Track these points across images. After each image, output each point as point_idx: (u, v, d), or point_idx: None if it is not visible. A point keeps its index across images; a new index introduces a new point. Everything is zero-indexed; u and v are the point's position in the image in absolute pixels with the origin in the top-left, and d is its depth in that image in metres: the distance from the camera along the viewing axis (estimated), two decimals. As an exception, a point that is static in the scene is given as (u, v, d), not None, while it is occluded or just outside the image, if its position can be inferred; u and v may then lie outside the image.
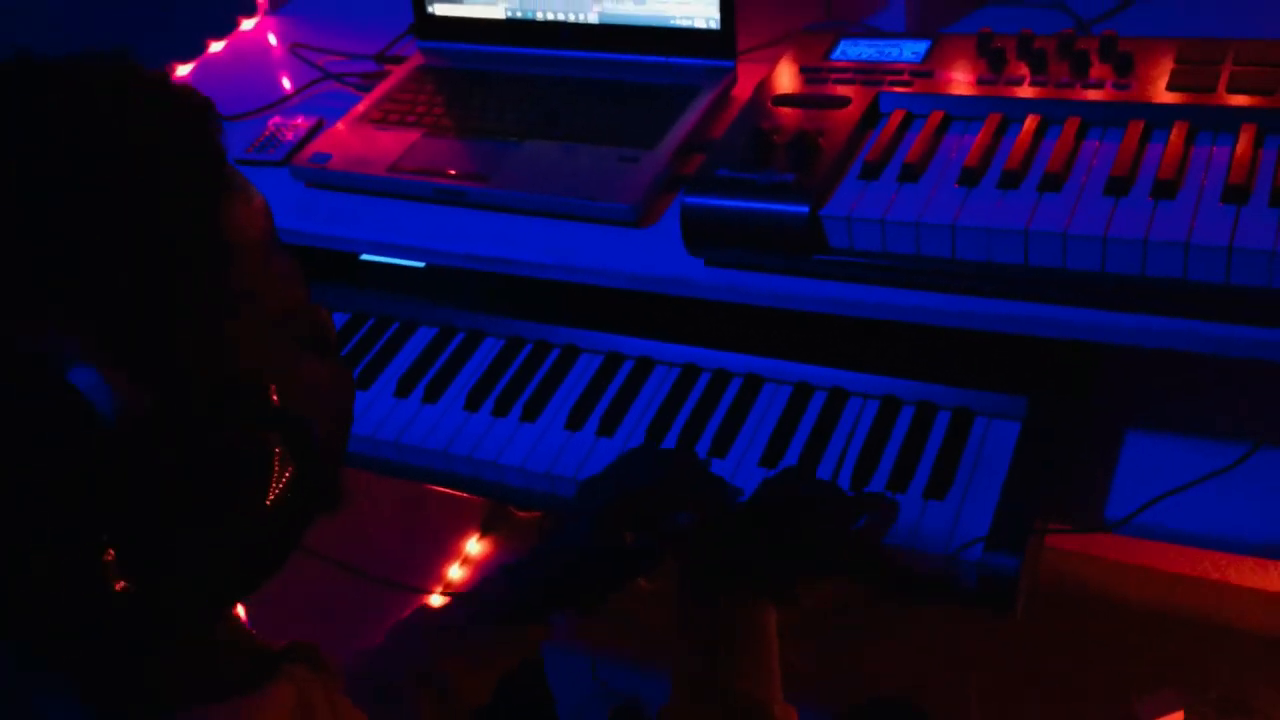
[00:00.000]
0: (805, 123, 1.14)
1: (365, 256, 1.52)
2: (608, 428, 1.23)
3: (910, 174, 1.08)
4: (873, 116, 1.17)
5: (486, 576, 1.07)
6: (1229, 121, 1.04)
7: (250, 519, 0.58)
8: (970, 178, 1.06)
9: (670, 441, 1.20)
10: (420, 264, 1.49)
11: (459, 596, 1.07)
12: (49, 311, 0.54)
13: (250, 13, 1.81)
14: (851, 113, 1.16)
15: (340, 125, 1.44)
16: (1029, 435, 1.11)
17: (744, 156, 1.13)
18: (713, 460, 1.18)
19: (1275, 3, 1.27)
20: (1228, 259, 0.93)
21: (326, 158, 1.39)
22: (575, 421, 1.25)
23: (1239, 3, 1.30)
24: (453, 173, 1.31)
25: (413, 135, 1.39)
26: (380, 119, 1.43)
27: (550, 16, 1.47)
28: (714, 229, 1.12)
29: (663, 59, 1.41)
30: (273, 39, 1.76)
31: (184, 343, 0.57)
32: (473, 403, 1.29)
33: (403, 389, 1.33)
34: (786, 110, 1.18)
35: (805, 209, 1.07)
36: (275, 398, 0.59)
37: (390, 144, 1.38)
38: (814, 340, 1.24)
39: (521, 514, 2.13)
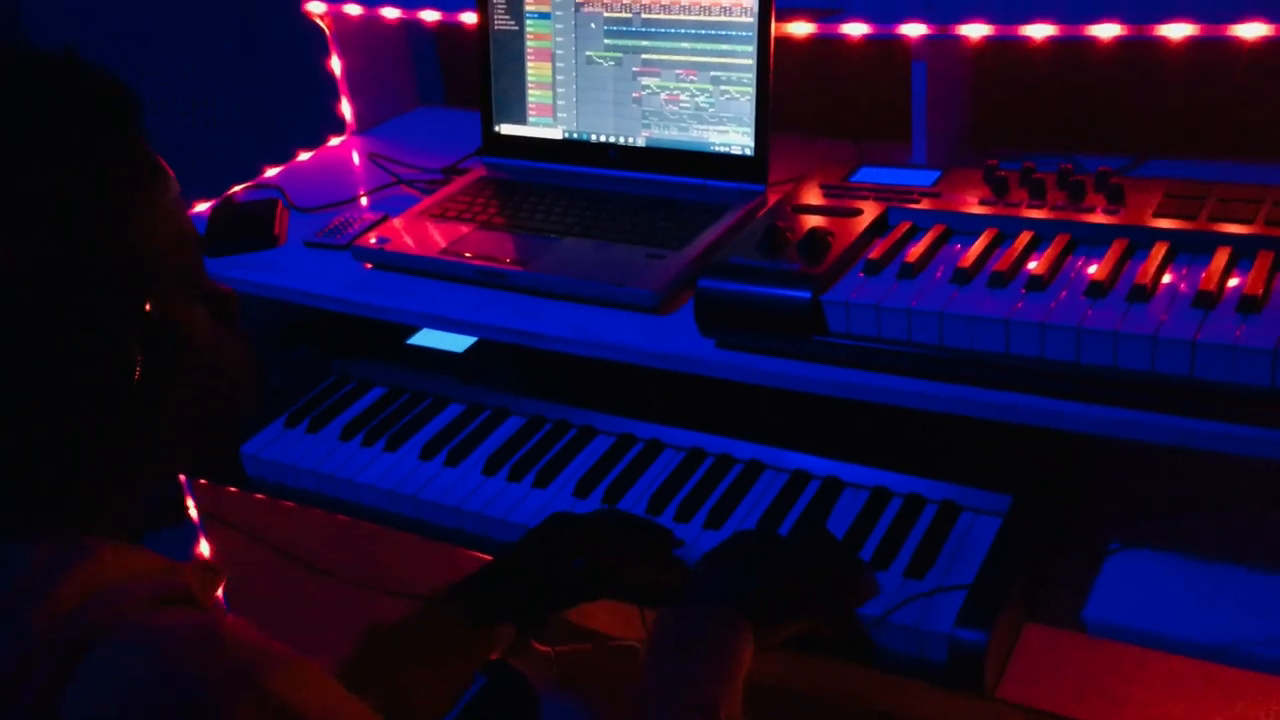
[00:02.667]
0: (818, 225, 1.25)
1: (410, 341, 1.63)
2: (613, 498, 1.30)
3: (908, 272, 1.17)
4: (881, 226, 1.27)
5: (438, 591, 1.14)
6: (1206, 244, 1.12)
7: (103, 403, 0.74)
8: (962, 277, 1.14)
9: (670, 512, 1.26)
10: (459, 350, 1.60)
11: (410, 613, 1.13)
12: None
13: (339, 132, 1.99)
14: (861, 221, 1.26)
15: (401, 218, 1.57)
16: (1009, 528, 1.16)
17: (758, 248, 1.23)
18: (707, 532, 1.23)
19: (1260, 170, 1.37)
20: (1192, 353, 1.00)
21: (385, 241, 1.51)
22: (583, 490, 1.31)
23: (1233, 170, 1.40)
24: (495, 258, 1.43)
25: (465, 228, 1.51)
26: (438, 214, 1.57)
27: (603, 139, 1.61)
28: (725, 311, 1.21)
29: (700, 180, 1.54)
30: (355, 156, 1.92)
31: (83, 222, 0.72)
32: (490, 468, 1.37)
33: (427, 453, 1.41)
34: (804, 216, 1.29)
35: (808, 294, 1.16)
36: (148, 306, 0.75)
37: (444, 234, 1.51)
38: (812, 432, 1.30)
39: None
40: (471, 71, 1.71)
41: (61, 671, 0.67)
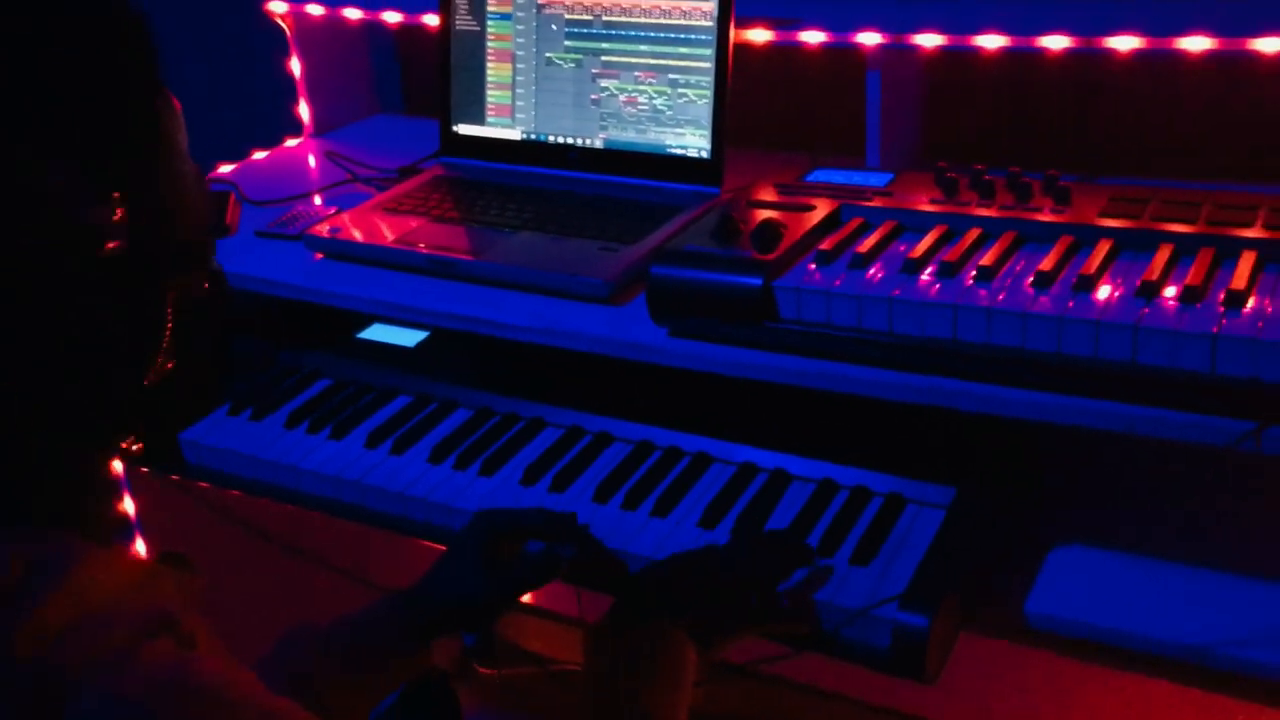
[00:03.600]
0: (771, 217, 1.26)
1: (360, 335, 1.62)
2: (560, 486, 1.29)
3: (859, 262, 1.18)
4: (833, 222, 1.28)
5: (375, 600, 1.11)
6: (1149, 241, 1.14)
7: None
8: (912, 267, 1.15)
9: (617, 500, 1.25)
10: (409, 344, 1.59)
11: (345, 615, 1.10)
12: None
13: (297, 134, 1.99)
14: (814, 216, 1.27)
15: (354, 211, 1.57)
16: (953, 519, 1.16)
17: (711, 236, 1.24)
18: (653, 520, 1.22)
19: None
20: (1135, 338, 1.01)
21: (337, 230, 1.51)
22: (530, 479, 1.30)
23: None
24: (448, 248, 1.42)
25: (418, 221, 1.51)
26: (392, 209, 1.56)
27: (560, 140, 1.62)
28: (677, 298, 1.22)
29: (657, 183, 1.55)
30: (311, 157, 1.92)
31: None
32: (436, 457, 1.35)
33: (373, 441, 1.39)
34: (757, 210, 1.30)
35: (759, 280, 1.16)
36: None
37: (396, 226, 1.50)
38: (761, 425, 1.30)
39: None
40: (430, 79, 1.71)
41: (48, 710, 0.64)
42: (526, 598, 1.42)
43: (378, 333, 1.62)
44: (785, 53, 1.54)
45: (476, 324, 1.34)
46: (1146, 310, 1.03)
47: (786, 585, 1.12)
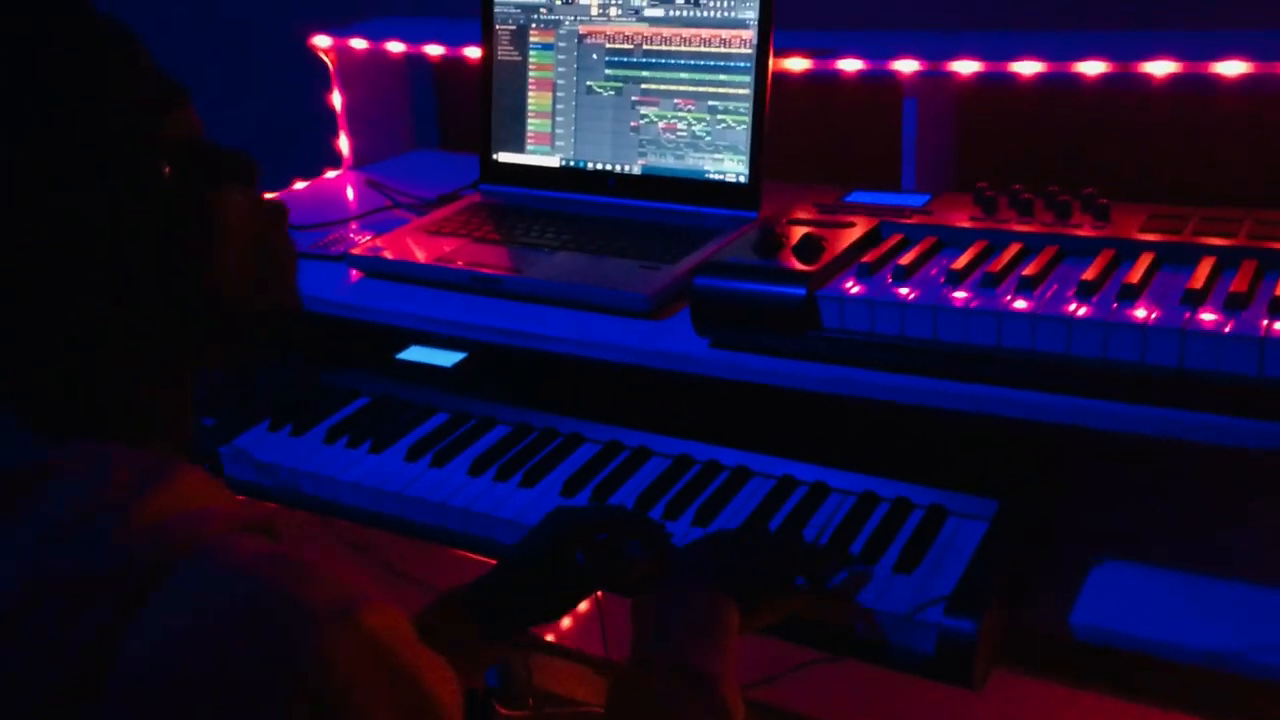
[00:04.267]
0: (812, 232, 1.27)
1: (399, 356, 1.63)
2: (600, 497, 1.29)
3: (902, 274, 1.19)
4: (874, 238, 1.29)
5: (434, 600, 1.11)
6: (1191, 255, 1.15)
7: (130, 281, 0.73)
8: (956, 278, 1.16)
9: (658, 511, 1.26)
10: (447, 365, 1.60)
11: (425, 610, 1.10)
12: None
13: (337, 167, 2.02)
14: (855, 232, 1.29)
15: (395, 233, 1.59)
16: (997, 528, 1.16)
17: (754, 249, 1.25)
18: (694, 530, 1.22)
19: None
20: (1181, 342, 1.02)
21: (378, 250, 1.53)
22: (570, 490, 1.30)
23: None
24: (489, 264, 1.44)
25: (459, 243, 1.53)
26: (433, 231, 1.59)
27: (600, 166, 1.64)
28: (720, 309, 1.23)
29: (695, 208, 1.57)
30: (350, 187, 1.95)
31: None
32: (477, 469, 1.36)
33: (413, 455, 1.40)
34: (797, 228, 1.31)
35: (803, 290, 1.18)
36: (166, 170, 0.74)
37: (435, 246, 1.53)
38: (800, 438, 1.31)
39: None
40: (468, 114, 1.75)
41: (139, 590, 0.63)
42: (552, 635, 1.42)
43: (416, 354, 1.64)
44: (820, 85, 1.56)
45: (518, 337, 1.35)
46: (1191, 315, 1.04)
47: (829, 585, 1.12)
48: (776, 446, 1.32)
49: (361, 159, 2.03)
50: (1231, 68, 1.30)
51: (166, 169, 0.73)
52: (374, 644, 0.64)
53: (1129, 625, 1.12)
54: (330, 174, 2.00)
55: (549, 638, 2.16)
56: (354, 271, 1.54)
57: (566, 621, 2.17)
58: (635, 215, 1.58)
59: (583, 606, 1.77)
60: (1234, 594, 1.12)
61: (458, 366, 1.59)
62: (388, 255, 1.51)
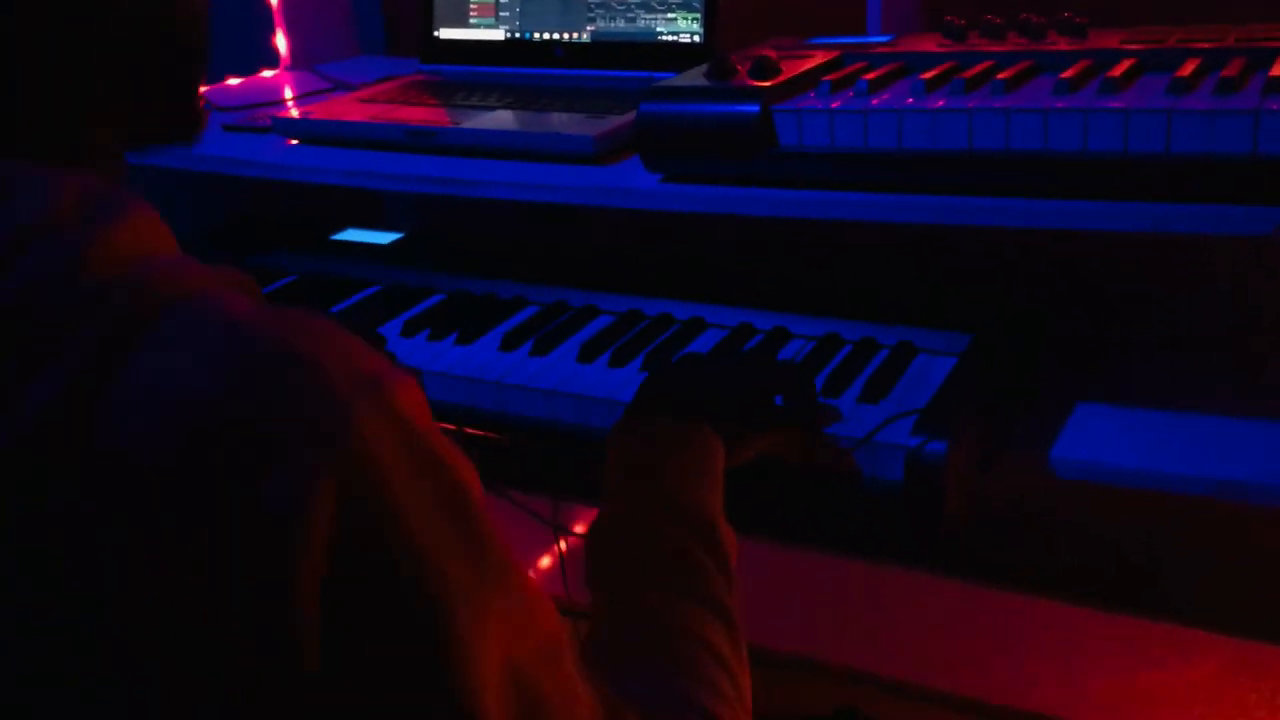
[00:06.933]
0: (770, 55, 1.18)
1: (334, 236, 1.53)
2: (541, 350, 1.19)
3: (866, 89, 1.09)
4: (836, 65, 1.20)
5: None
6: (1175, 59, 1.06)
7: None
8: (924, 88, 1.07)
9: (603, 360, 1.16)
10: (384, 242, 1.50)
11: None
12: None
13: (274, 66, 1.92)
14: (816, 59, 1.20)
15: (328, 102, 1.49)
16: (970, 357, 1.07)
17: (706, 75, 1.15)
18: (641, 376, 1.12)
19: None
20: (1168, 124, 0.93)
21: (310, 114, 1.43)
22: (509, 344, 1.21)
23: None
24: (428, 120, 1.34)
25: (395, 108, 1.43)
26: (368, 100, 1.48)
27: (547, 36, 1.55)
28: (669, 135, 1.13)
29: (648, 73, 1.47)
30: (289, 84, 1.84)
31: None
32: (409, 331, 1.26)
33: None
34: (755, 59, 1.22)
35: (756, 107, 1.08)
36: None
37: (372, 111, 1.42)
38: (758, 286, 1.22)
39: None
40: (414, 19, 1.65)
41: (129, 329, 0.49)
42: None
43: (351, 235, 1.54)
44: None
45: (455, 185, 1.25)
46: (1180, 99, 0.95)
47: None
48: (733, 295, 1.23)
49: (300, 60, 1.92)
50: (1214, -113, 1.22)
51: None
52: (403, 423, 0.52)
53: (1115, 458, 1.03)
54: (267, 72, 1.89)
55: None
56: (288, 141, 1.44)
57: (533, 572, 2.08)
58: (585, 84, 1.49)
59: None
60: (1234, 427, 1.04)
61: (395, 244, 1.50)
62: (318, 116, 1.41)
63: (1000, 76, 1.05)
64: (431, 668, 0.51)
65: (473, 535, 0.54)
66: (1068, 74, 1.03)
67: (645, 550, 0.81)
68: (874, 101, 1.05)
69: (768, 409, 0.96)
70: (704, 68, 1.18)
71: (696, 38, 1.45)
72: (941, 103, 1.02)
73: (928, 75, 1.08)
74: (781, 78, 1.12)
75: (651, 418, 0.90)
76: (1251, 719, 1.32)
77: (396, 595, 0.50)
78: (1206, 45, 1.07)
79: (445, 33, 1.62)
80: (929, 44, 1.22)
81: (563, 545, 1.60)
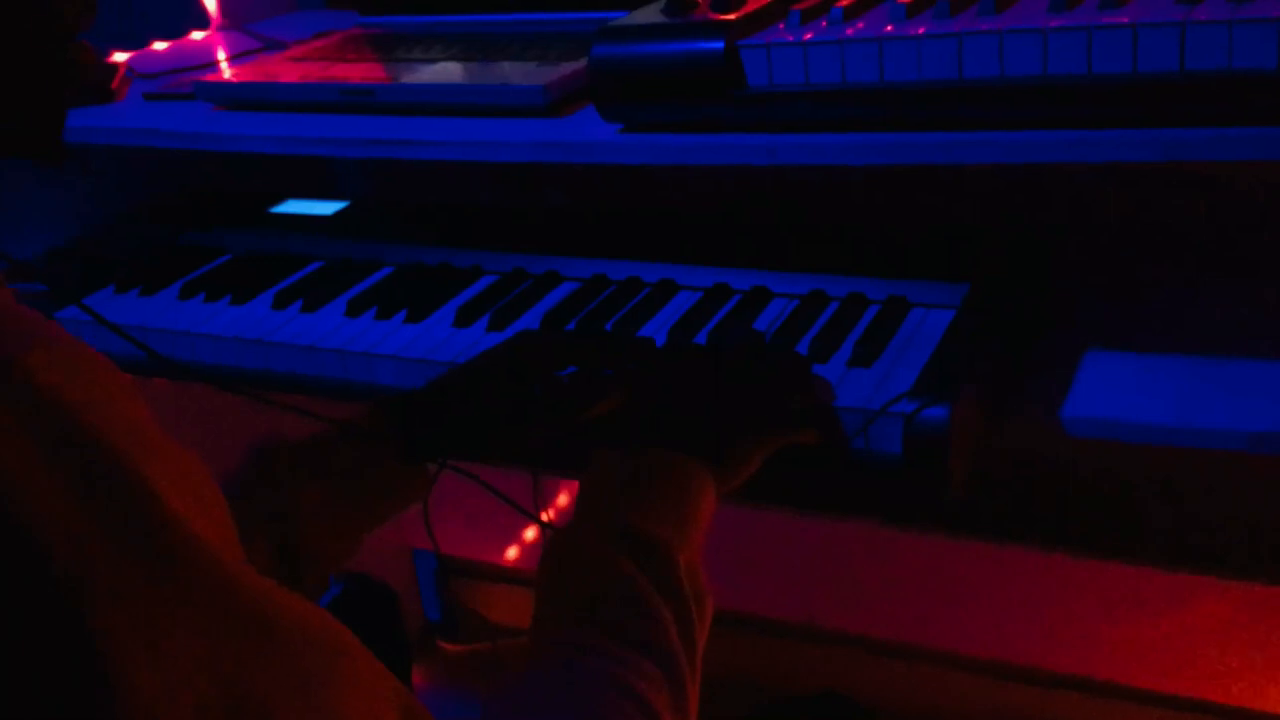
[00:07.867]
0: (732, -10, 1.07)
1: (273, 209, 1.42)
2: (498, 325, 1.09)
3: (840, 17, 0.98)
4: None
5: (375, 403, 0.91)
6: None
7: None
8: (908, 12, 0.96)
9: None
10: (327, 213, 1.39)
11: (318, 433, 0.89)
12: None
13: (203, 27, 1.79)
14: (783, -8, 1.09)
15: (255, 63, 1.37)
16: (968, 309, 0.97)
17: (663, 11, 1.04)
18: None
19: None
20: (1181, 38, 0.83)
21: (234, 77, 1.31)
22: (464, 319, 1.10)
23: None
24: (364, 78, 1.23)
25: (329, 66, 1.31)
26: (300, 59, 1.37)
27: (491, -21, 1.43)
28: (625, 80, 1.02)
29: (604, 13, 1.35)
30: (219, 47, 1.72)
31: None
32: (355, 309, 1.15)
33: (281, 302, 1.19)
34: None
35: (719, 43, 0.97)
36: None
37: (303, 71, 1.31)
38: (733, 239, 1.11)
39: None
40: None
41: None
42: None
43: (292, 206, 1.42)
44: None
45: (397, 147, 1.14)
46: (1192, 9, 0.85)
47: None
48: (706, 254, 1.12)
49: (232, 18, 1.79)
50: None
51: None
52: (31, 390, 0.44)
53: (1133, 413, 0.93)
54: (196, 35, 1.77)
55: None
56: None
57: (513, 552, 1.99)
58: (536, 29, 1.37)
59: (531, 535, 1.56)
60: (1263, 371, 0.95)
61: (339, 215, 1.38)
62: (244, 79, 1.29)
63: (990, -3, 0.94)
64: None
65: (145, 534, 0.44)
66: (1065, -10, 0.92)
67: (594, 585, 0.71)
68: (850, 31, 0.94)
69: (759, 436, 0.85)
70: (661, 3, 1.07)
71: (652, -27, 1.33)
72: (925, 28, 0.91)
73: (907, 1, 0.97)
74: (746, 9, 1.01)
75: (635, 443, 0.81)
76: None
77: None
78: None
79: (382, -18, 1.50)
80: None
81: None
